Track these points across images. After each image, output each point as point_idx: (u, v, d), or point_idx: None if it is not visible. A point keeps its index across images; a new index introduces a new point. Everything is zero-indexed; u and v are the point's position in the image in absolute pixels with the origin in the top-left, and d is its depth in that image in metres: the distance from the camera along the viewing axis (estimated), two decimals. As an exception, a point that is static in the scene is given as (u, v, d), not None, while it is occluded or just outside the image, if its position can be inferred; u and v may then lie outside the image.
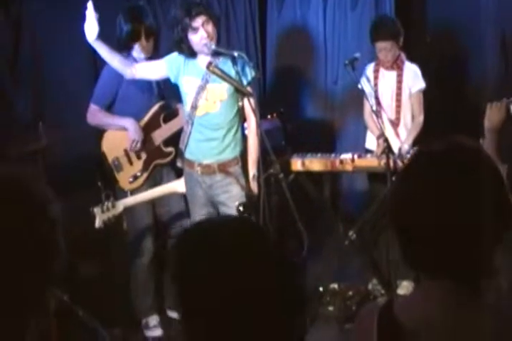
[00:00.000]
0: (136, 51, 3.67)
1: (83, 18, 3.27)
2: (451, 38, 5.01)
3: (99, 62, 3.92)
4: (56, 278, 1.08)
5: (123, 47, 3.64)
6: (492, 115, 2.76)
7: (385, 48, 3.95)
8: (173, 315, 3.86)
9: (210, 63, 3.14)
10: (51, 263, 1.06)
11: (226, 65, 3.24)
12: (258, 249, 1.12)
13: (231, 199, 3.30)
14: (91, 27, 3.26)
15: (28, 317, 1.05)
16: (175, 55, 3.39)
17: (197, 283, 1.09)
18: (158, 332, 3.82)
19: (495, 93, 4.89)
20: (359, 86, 3.94)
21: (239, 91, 3.07)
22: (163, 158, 3.78)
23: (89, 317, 3.34)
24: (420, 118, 4.07)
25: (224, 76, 3.09)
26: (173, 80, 3.43)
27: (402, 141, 4.01)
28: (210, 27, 3.24)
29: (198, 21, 3.22)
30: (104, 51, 3.36)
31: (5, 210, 1.03)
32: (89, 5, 3.23)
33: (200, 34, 3.22)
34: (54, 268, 1.07)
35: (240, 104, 3.05)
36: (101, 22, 3.27)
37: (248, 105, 3.16)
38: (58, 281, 1.10)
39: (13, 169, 1.12)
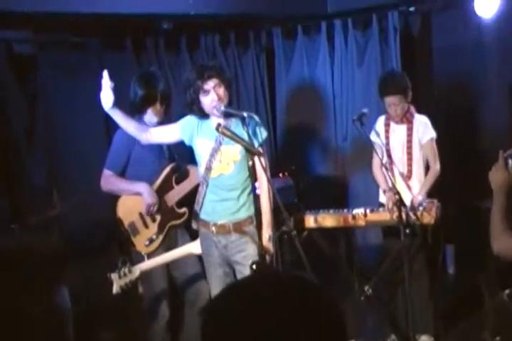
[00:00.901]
0: (150, 115, 3.74)
1: (98, 88, 3.36)
2: (457, 89, 5.07)
3: (111, 129, 4.01)
4: None
5: (136, 112, 3.73)
6: (493, 175, 2.55)
7: (394, 103, 3.98)
8: None
9: (219, 124, 3.18)
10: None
11: (238, 127, 3.28)
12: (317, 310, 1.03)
13: (247, 258, 3.31)
14: (107, 96, 3.35)
15: None
16: (188, 118, 3.46)
17: None
18: None
19: (506, 141, 4.94)
20: (371, 138, 3.96)
21: (249, 151, 3.10)
22: (178, 219, 3.82)
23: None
24: (437, 167, 4.05)
25: (233, 136, 3.12)
26: (187, 143, 3.48)
27: (414, 193, 4.00)
28: (221, 90, 3.31)
29: (210, 84, 3.29)
30: (120, 118, 3.44)
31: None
32: (105, 74, 3.33)
33: (211, 96, 3.29)
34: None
35: (250, 163, 3.06)
36: (115, 88, 3.35)
37: (259, 165, 3.17)
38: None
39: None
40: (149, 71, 3.99)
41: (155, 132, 3.52)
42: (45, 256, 1.11)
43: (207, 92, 3.30)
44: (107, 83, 3.34)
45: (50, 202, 3.63)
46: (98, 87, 3.37)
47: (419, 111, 4.17)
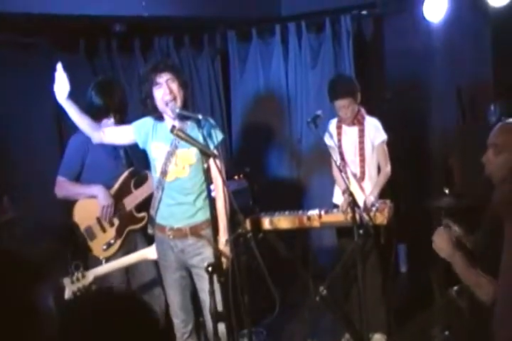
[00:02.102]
0: (105, 125, 3.68)
1: (49, 86, 3.27)
2: (408, 92, 5.16)
3: (64, 132, 3.95)
4: None
5: (93, 119, 3.66)
6: (439, 244, 2.49)
7: (343, 106, 4.02)
8: None
9: (173, 127, 3.10)
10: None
11: (194, 130, 3.24)
12: None
13: (204, 261, 3.25)
14: (61, 86, 3.24)
15: None
16: (143, 120, 3.41)
17: None
18: None
19: (455, 142, 5.08)
20: (325, 140, 3.99)
21: (204, 154, 3.04)
22: (136, 223, 3.81)
23: None
24: (387, 169, 4.11)
25: (188, 139, 3.05)
26: (141, 146, 3.43)
27: (366, 194, 4.05)
28: (174, 85, 3.27)
29: (163, 77, 3.26)
30: (73, 112, 3.34)
31: None
32: (59, 66, 3.24)
33: (164, 90, 3.25)
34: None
35: (205, 165, 3.00)
36: (71, 84, 3.26)
37: (214, 167, 3.15)
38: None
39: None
40: (107, 79, 3.95)
41: (108, 132, 3.46)
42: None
43: (159, 85, 3.26)
44: (61, 74, 3.24)
45: (1, 208, 3.55)
46: (49, 85, 3.26)
47: (372, 113, 4.23)
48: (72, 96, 3.30)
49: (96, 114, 3.67)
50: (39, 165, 4.31)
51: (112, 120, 3.74)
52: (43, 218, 3.97)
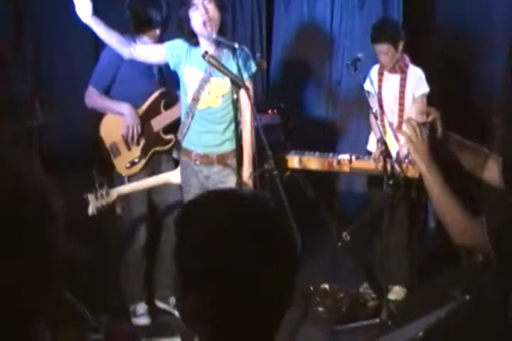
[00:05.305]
0: (145, 39, 3.62)
1: None
2: (459, 42, 4.96)
3: (100, 43, 3.86)
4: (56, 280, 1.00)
5: (129, 34, 3.58)
6: (418, 145, 2.00)
7: (382, 51, 3.93)
8: (162, 305, 3.86)
9: (205, 52, 3.06)
10: (50, 266, 0.98)
11: (229, 59, 3.19)
12: (263, 225, 1.13)
13: None
14: (83, 4, 3.13)
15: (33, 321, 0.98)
16: (177, 42, 3.34)
17: (196, 256, 1.11)
18: (145, 321, 3.79)
19: (502, 102, 4.86)
20: (364, 86, 3.91)
21: (235, 84, 3.01)
22: (163, 145, 3.73)
23: (77, 301, 3.34)
24: None
25: (219, 66, 3.03)
26: (172, 67, 3.38)
27: (401, 144, 3.94)
28: (211, 6, 3.18)
29: None
30: (101, 29, 3.24)
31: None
32: None
33: (200, 11, 3.16)
34: (54, 270, 0.99)
35: (235, 96, 2.97)
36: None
37: (245, 99, 3.12)
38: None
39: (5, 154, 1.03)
40: None
41: (139, 49, 3.39)
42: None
43: (195, 6, 3.17)
44: None
45: (32, 113, 3.52)
46: None
47: (416, 62, 4.07)
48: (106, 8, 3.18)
49: (136, 29, 3.60)
50: (75, 75, 4.24)
51: (154, 34, 3.64)
52: (73, 129, 3.94)
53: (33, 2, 4.34)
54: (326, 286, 3.94)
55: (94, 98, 3.67)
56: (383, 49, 3.91)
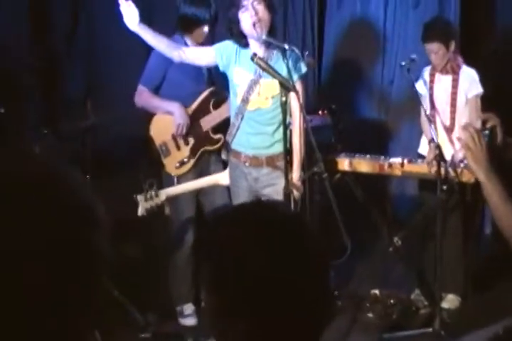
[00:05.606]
0: (195, 36, 3.62)
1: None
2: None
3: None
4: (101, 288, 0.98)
5: (180, 30, 3.60)
6: (478, 153, 1.94)
7: (432, 50, 3.84)
8: None
9: (254, 54, 3.05)
10: (98, 273, 0.95)
11: (279, 60, 3.16)
12: (294, 235, 1.12)
13: (276, 192, 3.25)
14: (129, 11, 3.14)
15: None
16: (226, 43, 3.33)
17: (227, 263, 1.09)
18: (192, 321, 3.80)
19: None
20: (416, 87, 3.84)
21: (283, 86, 2.98)
22: (212, 144, 3.72)
23: (125, 300, 3.35)
24: (478, 125, 3.90)
25: (268, 68, 3.01)
26: (221, 69, 3.37)
27: (455, 148, 3.85)
28: (260, 7, 3.16)
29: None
30: (149, 36, 3.28)
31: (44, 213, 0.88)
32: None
33: (250, 12, 3.14)
34: (101, 275, 0.96)
35: (284, 99, 2.95)
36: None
37: (295, 101, 3.09)
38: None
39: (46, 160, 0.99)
40: None
41: (189, 51, 3.41)
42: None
43: (245, 8, 3.15)
44: (125, 4, 3.12)
45: (84, 113, 3.56)
46: None
47: (473, 64, 3.95)
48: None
49: (187, 25, 3.60)
50: (126, 76, 4.27)
51: (202, 31, 3.64)
52: (124, 128, 3.96)
53: (89, 3, 4.40)
54: (376, 292, 3.88)
55: (144, 97, 3.68)
56: (433, 48, 3.82)
